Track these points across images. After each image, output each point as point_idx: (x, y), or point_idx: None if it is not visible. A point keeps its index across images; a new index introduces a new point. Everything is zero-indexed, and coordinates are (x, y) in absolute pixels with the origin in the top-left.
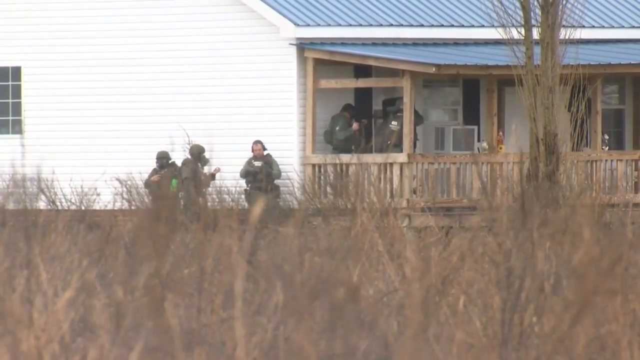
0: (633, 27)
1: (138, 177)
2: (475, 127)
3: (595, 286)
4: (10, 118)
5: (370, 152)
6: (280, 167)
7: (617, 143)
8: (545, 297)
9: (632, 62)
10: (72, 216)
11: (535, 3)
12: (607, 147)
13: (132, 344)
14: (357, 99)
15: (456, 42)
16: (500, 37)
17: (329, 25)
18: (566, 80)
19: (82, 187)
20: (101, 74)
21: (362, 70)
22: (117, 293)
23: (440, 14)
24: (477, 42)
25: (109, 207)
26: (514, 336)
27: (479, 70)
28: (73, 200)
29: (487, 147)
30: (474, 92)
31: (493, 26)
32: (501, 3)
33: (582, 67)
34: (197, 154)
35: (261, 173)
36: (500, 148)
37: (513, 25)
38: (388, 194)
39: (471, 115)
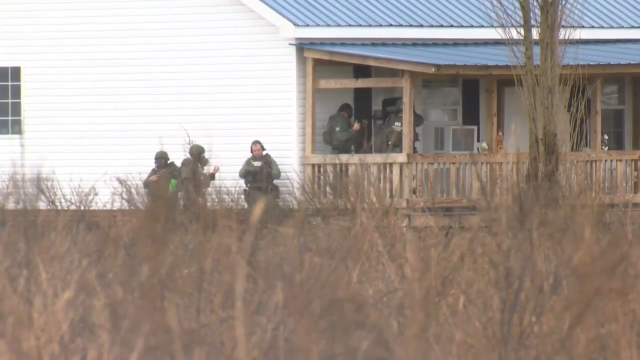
0: (632, 27)
1: (138, 177)
2: (475, 127)
3: (596, 286)
4: (10, 118)
5: (370, 152)
6: (279, 167)
7: (616, 143)
8: (544, 297)
9: (632, 62)
10: (71, 216)
11: (535, 3)
12: (607, 147)
13: (132, 344)
14: (357, 99)
15: (456, 42)
16: (500, 37)
17: (329, 25)
18: (566, 80)
19: (81, 187)
20: (101, 74)
21: (361, 71)
22: (117, 293)
23: (440, 14)
24: (476, 42)
25: (109, 207)
26: (514, 336)
27: (478, 70)
28: (73, 201)
29: (486, 147)
30: (473, 92)
31: (492, 26)
32: (501, 3)
33: (581, 67)
34: (197, 154)
35: (261, 173)
36: (500, 148)
37: (512, 26)
38: (388, 194)
39: (471, 115)
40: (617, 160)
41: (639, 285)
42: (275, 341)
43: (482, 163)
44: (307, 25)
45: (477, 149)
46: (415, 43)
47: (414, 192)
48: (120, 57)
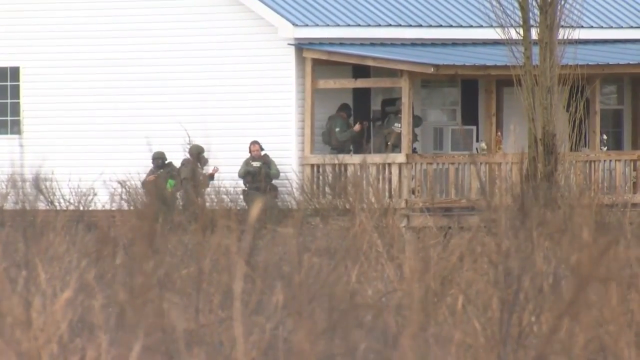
0: (631, 27)
1: (137, 178)
2: (474, 128)
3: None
4: (9, 118)
5: (369, 152)
6: (278, 167)
7: (615, 143)
8: (544, 297)
9: (631, 63)
10: (70, 216)
11: (534, 3)
12: (606, 147)
13: (131, 344)
14: (356, 99)
15: (455, 43)
16: (499, 38)
17: (328, 25)
18: (565, 80)
19: (80, 188)
20: (100, 74)
21: (360, 71)
22: (116, 293)
23: (439, 14)
24: (475, 43)
25: (108, 207)
26: (513, 336)
27: (477, 70)
28: (71, 201)
29: (485, 147)
30: (472, 92)
31: (492, 26)
32: (500, 3)
33: (580, 67)
34: (197, 154)
35: (260, 174)
36: (499, 148)
37: (512, 26)
38: (387, 194)
39: (470, 115)
40: (616, 161)
41: (637, 286)
42: (274, 341)
43: (481, 163)
44: (306, 25)
45: (476, 149)
46: (414, 43)
47: (413, 193)
48: (119, 57)
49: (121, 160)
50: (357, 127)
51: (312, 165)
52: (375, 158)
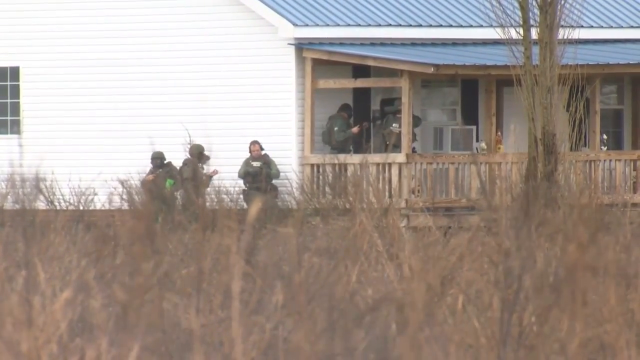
0: (631, 27)
1: (137, 177)
2: (474, 127)
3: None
4: (9, 118)
5: (369, 152)
6: (278, 167)
7: (615, 143)
8: (543, 297)
9: (631, 62)
10: (70, 216)
11: (534, 3)
12: (606, 147)
13: (131, 344)
14: (356, 99)
15: (455, 42)
16: (499, 37)
17: (328, 25)
18: (565, 80)
19: (80, 188)
20: (100, 74)
21: (360, 71)
22: (116, 293)
23: (439, 14)
24: (475, 42)
25: (107, 207)
26: (513, 336)
27: (477, 70)
28: (71, 201)
29: (485, 147)
30: (472, 92)
31: (492, 26)
32: (500, 3)
33: (580, 67)
34: (198, 154)
35: (260, 174)
36: (499, 148)
37: (512, 25)
38: (387, 194)
39: (470, 115)
40: (616, 160)
41: (636, 285)
42: (274, 341)
43: (481, 163)
44: (306, 25)
45: (476, 148)
46: (414, 43)
47: (413, 192)
48: (120, 57)
49: (121, 160)
50: (355, 129)
51: (312, 165)
52: (375, 158)
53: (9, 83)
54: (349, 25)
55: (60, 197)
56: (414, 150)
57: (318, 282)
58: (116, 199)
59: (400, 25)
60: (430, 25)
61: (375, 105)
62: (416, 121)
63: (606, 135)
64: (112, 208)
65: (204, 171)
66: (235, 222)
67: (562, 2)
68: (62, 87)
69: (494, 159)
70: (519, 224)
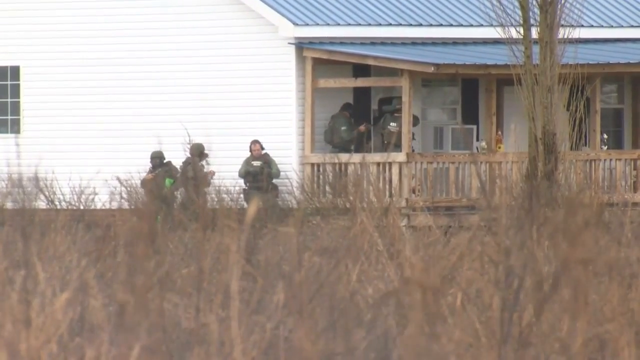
0: (632, 26)
1: (137, 177)
2: (474, 127)
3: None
4: (9, 117)
5: (369, 151)
6: (278, 166)
7: (615, 142)
8: (544, 297)
9: (631, 62)
10: (70, 216)
11: (534, 2)
12: (606, 147)
13: (131, 344)
14: (356, 99)
15: (455, 42)
16: (499, 37)
17: (328, 24)
18: (565, 79)
19: (80, 187)
20: (100, 73)
21: (360, 70)
22: (116, 292)
23: (439, 14)
24: (476, 42)
25: (108, 206)
26: (513, 336)
27: (477, 69)
28: (72, 200)
29: (485, 146)
30: (472, 91)
31: (492, 25)
32: (500, 2)
33: (580, 66)
34: (199, 153)
35: (261, 173)
36: (499, 147)
37: (512, 25)
38: (387, 193)
39: (470, 114)
40: (616, 160)
41: (637, 285)
42: (274, 340)
43: (481, 162)
44: (307, 25)
45: (477, 148)
46: (415, 42)
47: (414, 192)
48: (120, 56)
49: (121, 159)
50: (361, 127)
51: (313, 165)
52: (376, 157)
53: (9, 82)
54: (349, 24)
55: (61, 196)
56: (412, 149)
57: (318, 282)
58: (117, 198)
59: (400, 24)
60: (431, 25)
61: (375, 105)
62: (414, 121)
63: (606, 134)
64: (112, 207)
65: (205, 170)
66: (235, 221)
67: (563, 1)
68: (62, 87)
69: (495, 158)
70: (519, 223)
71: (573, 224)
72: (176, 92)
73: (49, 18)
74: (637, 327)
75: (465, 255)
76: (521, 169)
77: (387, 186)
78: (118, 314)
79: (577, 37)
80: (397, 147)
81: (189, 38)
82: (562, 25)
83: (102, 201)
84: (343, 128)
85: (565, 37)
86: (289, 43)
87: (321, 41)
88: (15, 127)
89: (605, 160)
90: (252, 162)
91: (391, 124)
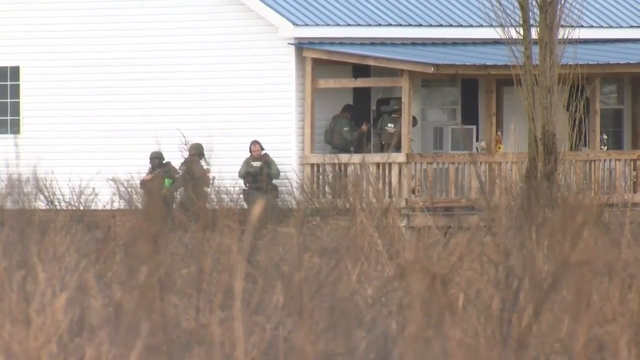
0: (631, 26)
1: (137, 177)
2: (474, 127)
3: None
4: (9, 118)
5: (369, 152)
6: (278, 166)
7: (615, 143)
8: (544, 297)
9: (631, 62)
10: (70, 216)
11: (534, 3)
12: (606, 147)
13: (131, 344)
14: (356, 99)
15: (455, 42)
16: (499, 37)
17: (328, 25)
18: (565, 80)
19: (80, 187)
20: (100, 74)
21: (360, 70)
22: (116, 293)
23: (439, 14)
24: (475, 42)
25: (108, 207)
26: (513, 336)
27: (477, 70)
28: (71, 201)
29: (485, 146)
30: (472, 91)
31: (492, 26)
32: (500, 3)
33: (580, 66)
34: (199, 153)
35: (261, 174)
36: (499, 148)
37: (512, 25)
38: (387, 193)
39: (470, 115)
40: (616, 160)
41: (636, 285)
42: (274, 341)
43: (481, 163)
44: (306, 25)
45: (476, 148)
46: (415, 42)
47: (413, 192)
48: (119, 57)
49: (121, 159)
50: (363, 127)
51: (312, 165)
52: (375, 158)
53: (9, 83)
54: (349, 25)
55: (60, 197)
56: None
57: (318, 282)
58: (116, 198)
59: (400, 25)
60: (431, 25)
61: (373, 105)
62: (412, 122)
63: (606, 135)
64: (112, 208)
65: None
66: (235, 222)
67: (562, 1)
68: (62, 87)
69: (494, 158)
70: (518, 223)
71: (572, 224)
72: (176, 92)
73: (49, 19)
74: (637, 327)
75: (464, 256)
76: (521, 170)
77: (387, 187)
78: (118, 314)
79: (576, 37)
80: (396, 148)
81: (189, 39)
82: (562, 26)
83: (102, 202)
84: (345, 129)
85: (565, 37)
86: (289, 43)
87: (321, 41)
88: (15, 128)
89: (604, 160)
90: (252, 163)
91: (388, 124)
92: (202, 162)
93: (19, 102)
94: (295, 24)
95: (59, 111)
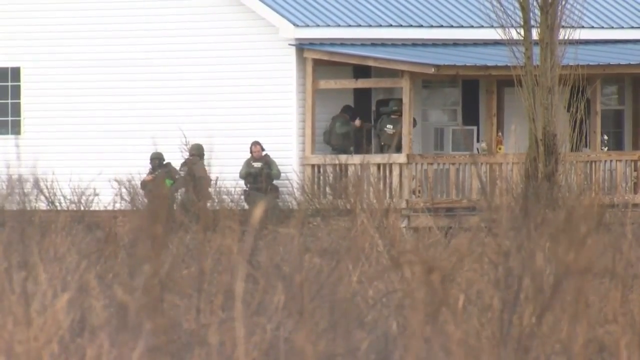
0: (632, 27)
1: (138, 178)
2: (475, 128)
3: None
4: (10, 119)
5: (370, 153)
6: (279, 167)
7: (616, 143)
8: (544, 298)
9: (632, 63)
10: (71, 217)
11: (535, 4)
12: (607, 148)
13: (132, 345)
14: (357, 100)
15: (455, 43)
16: (500, 38)
17: (328, 25)
18: (565, 80)
19: (81, 188)
20: (100, 74)
21: (361, 71)
22: (117, 293)
23: (440, 15)
24: (476, 43)
25: (109, 207)
26: (513, 336)
27: (478, 70)
28: (72, 201)
29: (486, 147)
30: (473, 92)
31: (492, 27)
32: (500, 4)
33: (581, 67)
34: (201, 153)
35: (261, 174)
36: (500, 148)
37: (512, 26)
38: (387, 194)
39: (470, 115)
40: (616, 161)
41: (637, 286)
42: (275, 341)
43: (481, 163)
44: (307, 26)
45: (477, 149)
46: (415, 43)
47: (414, 193)
48: (120, 57)
49: (122, 160)
50: (357, 122)
51: (313, 166)
52: (376, 158)
53: (9, 83)
54: (349, 25)
55: (61, 197)
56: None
57: (319, 283)
58: (118, 199)
59: (401, 25)
60: (431, 26)
61: (374, 106)
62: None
63: (607, 135)
64: (114, 208)
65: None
66: (236, 222)
67: (563, 2)
68: (62, 88)
69: (495, 159)
70: (519, 224)
71: (573, 225)
72: (177, 93)
73: (49, 19)
74: (638, 328)
75: (465, 257)
76: (521, 171)
77: (388, 187)
78: (119, 315)
79: (577, 38)
80: (395, 149)
81: (189, 39)
82: (563, 27)
83: (103, 202)
84: (338, 124)
85: (566, 38)
86: (290, 44)
87: (322, 42)
88: (15, 129)
89: (605, 161)
90: (253, 164)
91: (387, 125)
92: (203, 163)
93: (19, 102)
94: (295, 25)
95: (59, 112)
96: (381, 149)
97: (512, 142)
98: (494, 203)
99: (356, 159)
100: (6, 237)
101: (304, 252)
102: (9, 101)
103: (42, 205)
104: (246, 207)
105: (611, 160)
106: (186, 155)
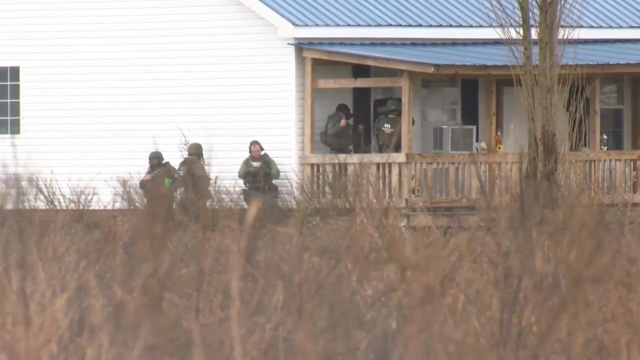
0: (631, 27)
1: (136, 177)
2: (474, 127)
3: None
4: (9, 118)
5: (369, 152)
6: (278, 167)
7: (615, 143)
8: (543, 297)
9: (631, 62)
10: (70, 216)
11: (534, 3)
12: (606, 147)
13: (131, 344)
14: (356, 99)
15: (455, 42)
16: (499, 37)
17: (328, 25)
18: (564, 80)
19: (80, 187)
20: (100, 74)
21: (360, 70)
22: (116, 293)
23: (439, 14)
24: (475, 42)
25: (108, 207)
26: (512, 336)
27: (477, 70)
28: (72, 200)
29: (485, 147)
30: (472, 92)
31: (491, 26)
32: (500, 3)
33: (580, 67)
34: (200, 152)
35: (260, 174)
36: (499, 148)
37: (511, 25)
38: (387, 193)
39: (470, 115)
40: (616, 160)
41: (636, 285)
42: (274, 341)
43: (481, 163)
44: (306, 25)
45: (476, 148)
46: (414, 43)
47: (413, 192)
48: (120, 57)
49: (121, 160)
50: (342, 122)
51: (312, 165)
52: (376, 158)
53: (9, 83)
54: (348, 25)
55: (60, 196)
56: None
57: (318, 282)
58: (117, 198)
59: (400, 25)
60: (430, 25)
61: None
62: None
63: (606, 135)
64: (113, 208)
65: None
66: (235, 222)
67: (562, 2)
68: (62, 87)
69: (494, 159)
70: (518, 223)
71: (573, 225)
72: (176, 92)
73: (49, 19)
74: (637, 328)
75: (464, 256)
76: (521, 170)
77: (387, 187)
78: (118, 314)
79: (576, 37)
80: (394, 148)
81: (188, 39)
82: (562, 26)
83: (102, 201)
84: (330, 124)
85: (565, 37)
86: (289, 44)
87: (321, 42)
88: (14, 128)
89: (604, 160)
90: (252, 163)
91: (385, 125)
92: (202, 162)
93: (18, 102)
94: (295, 24)
95: (58, 111)
96: (380, 149)
97: (512, 141)
98: (493, 202)
99: (355, 158)
100: (5, 236)
101: (303, 251)
102: (8, 100)
103: (41, 204)
104: (245, 206)
105: (610, 160)
106: (185, 154)
